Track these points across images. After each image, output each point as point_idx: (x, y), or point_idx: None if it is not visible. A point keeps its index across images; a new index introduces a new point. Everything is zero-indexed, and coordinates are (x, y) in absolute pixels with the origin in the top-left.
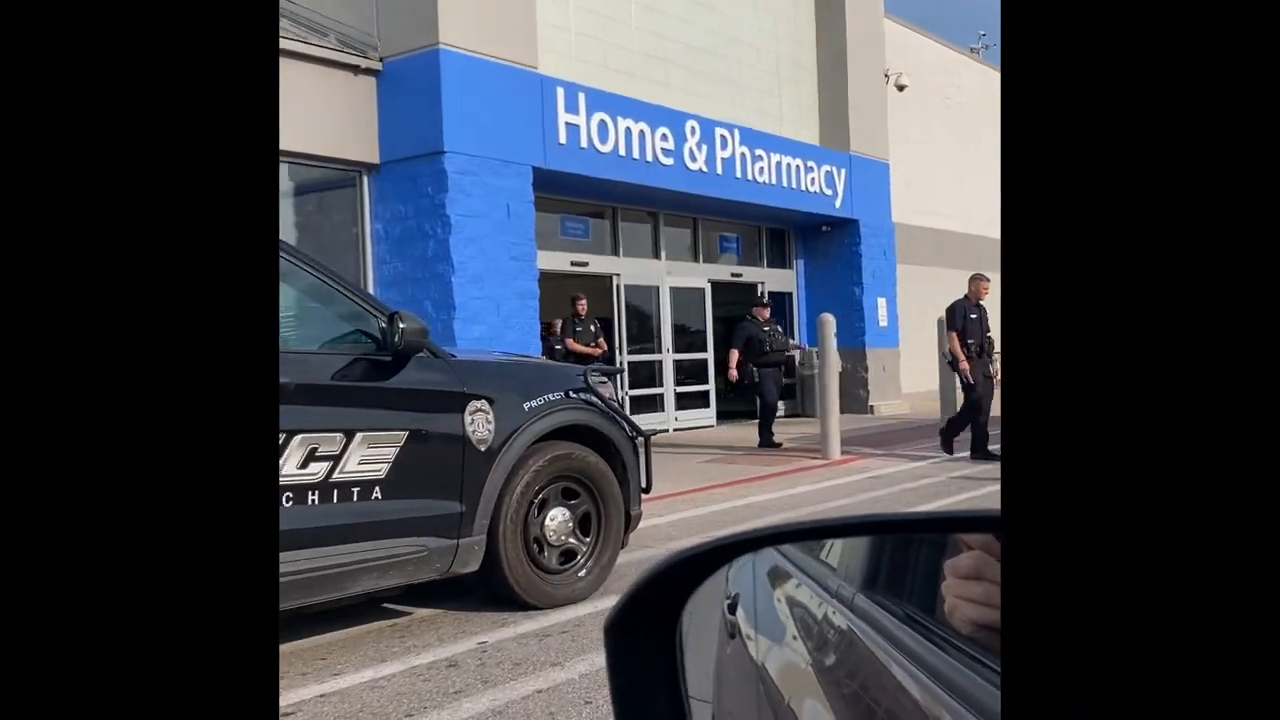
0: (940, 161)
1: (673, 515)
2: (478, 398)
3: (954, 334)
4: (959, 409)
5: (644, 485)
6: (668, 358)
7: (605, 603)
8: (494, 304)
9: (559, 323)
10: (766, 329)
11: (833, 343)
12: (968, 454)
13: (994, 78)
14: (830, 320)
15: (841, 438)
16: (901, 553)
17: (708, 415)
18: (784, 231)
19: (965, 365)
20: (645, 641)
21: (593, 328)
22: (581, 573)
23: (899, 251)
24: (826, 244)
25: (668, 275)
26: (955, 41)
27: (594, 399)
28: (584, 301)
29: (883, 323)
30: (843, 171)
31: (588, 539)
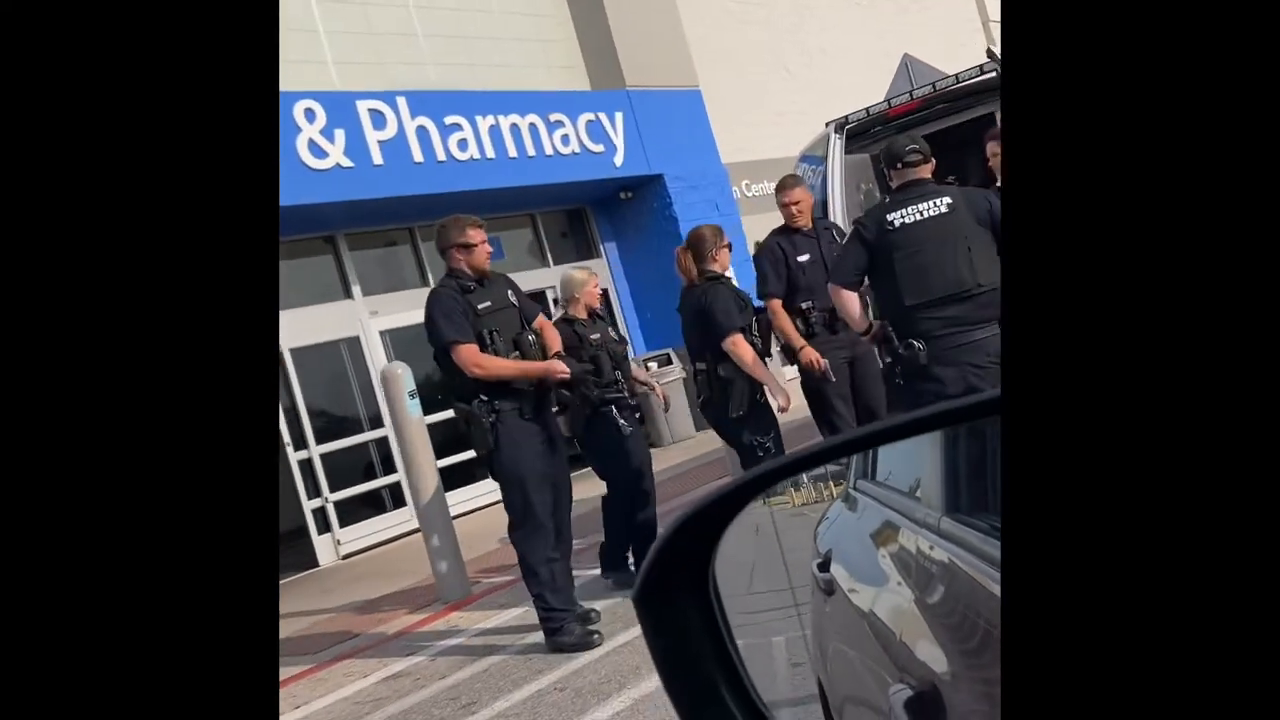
0: (852, 74)
1: None
2: None
3: (774, 300)
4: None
5: None
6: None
7: None
8: None
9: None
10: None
11: (404, 404)
12: None
13: None
14: (397, 374)
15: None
16: (974, 465)
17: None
18: (581, 211)
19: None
20: (679, 601)
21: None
22: None
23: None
24: (635, 215)
25: (371, 318)
26: None
27: None
28: (595, 281)
29: None
30: (618, 116)
31: None
